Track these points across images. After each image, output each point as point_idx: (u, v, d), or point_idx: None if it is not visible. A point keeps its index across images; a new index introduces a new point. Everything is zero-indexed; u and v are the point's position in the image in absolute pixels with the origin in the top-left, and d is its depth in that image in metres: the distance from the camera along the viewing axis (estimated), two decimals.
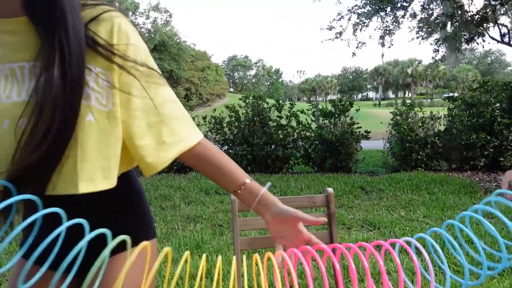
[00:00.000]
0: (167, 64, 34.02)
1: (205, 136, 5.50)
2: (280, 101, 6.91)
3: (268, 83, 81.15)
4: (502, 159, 6.31)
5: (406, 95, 68.21)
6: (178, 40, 35.60)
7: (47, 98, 0.62)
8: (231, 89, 71.11)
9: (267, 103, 6.96)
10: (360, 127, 6.82)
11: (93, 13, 0.70)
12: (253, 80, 75.02)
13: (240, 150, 6.62)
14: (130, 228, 0.90)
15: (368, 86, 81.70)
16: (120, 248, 0.81)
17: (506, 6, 5.79)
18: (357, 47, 10.67)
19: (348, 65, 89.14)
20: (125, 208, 0.91)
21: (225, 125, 6.94)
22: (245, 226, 1.56)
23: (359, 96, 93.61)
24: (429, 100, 56.15)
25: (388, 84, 67.40)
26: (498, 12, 5.75)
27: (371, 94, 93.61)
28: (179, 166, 6.67)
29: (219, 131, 6.91)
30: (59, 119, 0.63)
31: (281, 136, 6.73)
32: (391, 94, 77.74)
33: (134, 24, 0.79)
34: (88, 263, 0.59)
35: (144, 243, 0.54)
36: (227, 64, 73.18)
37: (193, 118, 7.03)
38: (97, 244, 0.60)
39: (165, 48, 34.01)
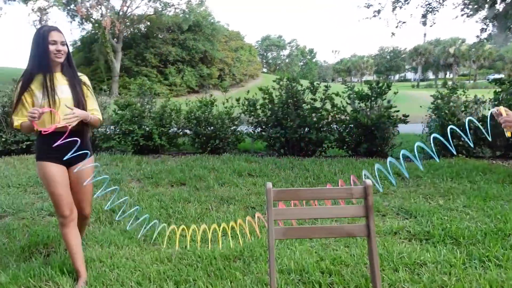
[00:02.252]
0: (201, 45, 34.14)
1: (238, 117, 5.60)
2: (315, 83, 6.77)
3: (301, 63, 79.72)
4: None
5: (447, 76, 64.92)
6: (212, 21, 35.50)
7: (78, 96, 2.47)
8: (264, 70, 70.53)
9: (301, 85, 6.85)
10: (398, 111, 6.58)
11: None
12: (287, 60, 73.88)
13: (273, 132, 6.61)
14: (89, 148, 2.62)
15: (407, 67, 78.29)
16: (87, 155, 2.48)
17: None
18: (396, 27, 10.19)
19: (386, 45, 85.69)
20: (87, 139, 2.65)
21: (258, 107, 6.92)
22: (281, 215, 1.56)
23: (397, 77, 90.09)
24: (472, 81, 53.08)
25: (428, 64, 64.20)
26: None
27: (409, 75, 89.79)
28: (213, 147, 6.77)
29: (252, 113, 6.90)
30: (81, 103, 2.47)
31: (314, 119, 6.64)
32: (431, 75, 74.19)
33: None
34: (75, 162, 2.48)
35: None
36: (260, 44, 72.37)
37: (227, 100, 7.08)
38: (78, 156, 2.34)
39: (199, 28, 34.04)
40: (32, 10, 29.70)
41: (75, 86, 2.46)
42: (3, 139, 6.78)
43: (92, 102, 2.57)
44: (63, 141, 2.24)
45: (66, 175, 2.50)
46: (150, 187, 4.77)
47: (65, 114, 2.28)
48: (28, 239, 3.21)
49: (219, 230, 2.94)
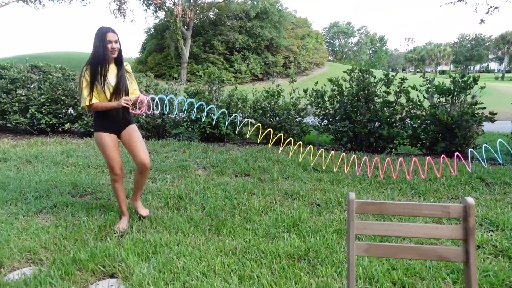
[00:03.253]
0: (267, 32, 34.02)
1: (305, 109, 5.49)
2: (390, 75, 6.32)
3: (370, 52, 76.06)
4: None
5: None
6: (279, 8, 35.12)
7: (123, 82, 3.21)
8: (330, 58, 68.52)
9: (374, 77, 6.44)
10: (484, 108, 5.92)
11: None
12: (354, 48, 70.91)
13: (341, 126, 6.33)
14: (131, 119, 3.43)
15: (490, 56, 70.97)
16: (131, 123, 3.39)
17: None
18: (487, 12, 9.13)
19: (467, 32, 78.15)
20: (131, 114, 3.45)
21: (326, 99, 6.66)
22: (364, 230, 1.42)
23: (478, 67, 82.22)
24: None
25: None
26: None
27: (493, 65, 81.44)
28: (277, 138, 6.69)
29: (320, 105, 6.67)
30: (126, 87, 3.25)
31: (387, 113, 6.22)
32: None
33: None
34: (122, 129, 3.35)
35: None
36: (327, 32, 70.23)
37: (294, 90, 6.91)
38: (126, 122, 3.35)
39: (266, 15, 33.90)
40: None
41: (122, 75, 3.20)
42: (85, 122, 7.35)
43: (133, 85, 3.33)
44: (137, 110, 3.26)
45: (117, 142, 3.33)
46: (216, 176, 4.84)
47: (126, 98, 3.10)
48: (105, 219, 3.42)
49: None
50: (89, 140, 6.91)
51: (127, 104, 3.08)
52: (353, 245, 1.39)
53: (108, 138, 3.24)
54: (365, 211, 1.46)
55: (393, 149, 6.47)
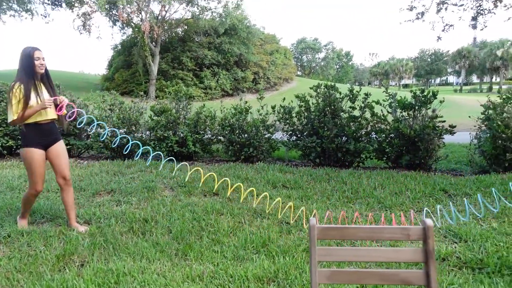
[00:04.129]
0: (236, 48, 34.33)
1: (273, 125, 5.52)
2: (354, 91, 6.48)
3: (337, 66, 78.34)
4: None
5: (494, 80, 61.42)
6: (248, 24, 35.62)
7: (53, 95, 3.52)
8: (299, 73, 69.95)
9: (340, 92, 6.59)
10: (444, 121, 6.17)
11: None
12: (322, 63, 72.82)
13: (309, 141, 6.39)
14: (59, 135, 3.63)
15: (449, 70, 74.88)
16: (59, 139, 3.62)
17: None
18: (443, 30, 9.63)
19: (427, 47, 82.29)
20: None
21: (294, 115, 6.73)
22: (327, 256, 1.39)
23: (438, 80, 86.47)
24: None
25: (473, 67, 61.00)
26: None
27: (451, 79, 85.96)
28: (247, 155, 6.66)
29: (288, 121, 6.72)
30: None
31: (353, 128, 6.36)
32: (475, 79, 70.52)
33: None
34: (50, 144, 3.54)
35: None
36: (295, 47, 71.82)
37: (262, 107, 6.94)
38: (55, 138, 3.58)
39: (235, 32, 34.25)
40: (77, 15, 31.16)
41: (51, 88, 3.56)
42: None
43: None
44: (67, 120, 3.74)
45: (44, 158, 3.52)
46: (183, 196, 4.71)
47: (48, 99, 3.36)
48: (63, 248, 3.22)
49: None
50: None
51: (49, 104, 3.35)
52: (316, 273, 1.36)
53: (37, 154, 3.44)
54: (327, 237, 1.44)
55: (361, 163, 6.60)
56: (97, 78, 42.12)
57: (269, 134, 6.88)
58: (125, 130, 6.99)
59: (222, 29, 32.79)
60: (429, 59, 77.05)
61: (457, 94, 48.07)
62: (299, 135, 6.72)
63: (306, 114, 6.64)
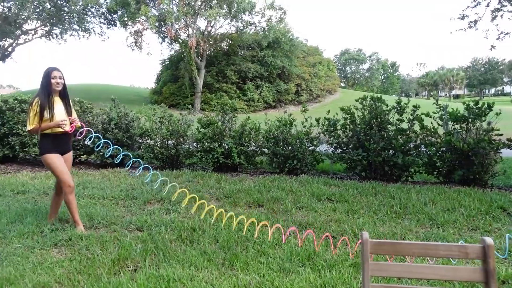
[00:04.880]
0: (279, 61, 34.63)
1: (317, 137, 5.52)
2: (402, 103, 6.31)
3: (382, 77, 76.33)
4: None
5: None
6: (291, 37, 35.87)
7: (68, 111, 3.99)
8: (342, 84, 68.98)
9: (387, 105, 6.44)
10: (501, 134, 5.81)
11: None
12: (366, 74, 71.34)
13: (354, 154, 6.29)
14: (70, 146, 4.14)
15: (505, 79, 70.34)
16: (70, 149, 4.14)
17: None
18: (498, 38, 9.14)
19: (480, 56, 77.94)
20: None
21: (339, 127, 6.66)
22: (379, 271, 1.38)
23: (492, 90, 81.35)
24: None
25: None
26: None
27: (508, 88, 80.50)
28: (291, 167, 6.67)
29: (333, 134, 6.67)
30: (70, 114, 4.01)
31: (401, 141, 6.17)
32: None
33: None
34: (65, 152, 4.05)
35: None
36: (339, 59, 71.07)
37: (306, 119, 6.94)
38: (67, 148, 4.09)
39: (278, 45, 34.62)
40: (130, 33, 33.12)
41: (67, 105, 3.97)
42: (101, 153, 7.50)
43: (74, 113, 4.08)
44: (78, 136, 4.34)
45: (61, 158, 3.94)
46: (229, 207, 4.81)
47: (62, 120, 3.80)
48: (118, 252, 3.41)
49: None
50: (105, 172, 7.02)
51: (63, 123, 3.78)
52: (368, 287, 1.35)
53: (56, 156, 3.87)
54: (380, 251, 1.43)
55: (409, 177, 6.36)
56: (146, 92, 44.29)
57: (313, 147, 6.85)
58: (173, 141, 7.28)
59: (265, 43, 33.28)
60: (482, 68, 72.83)
61: None
62: (344, 148, 6.63)
63: (351, 126, 6.55)
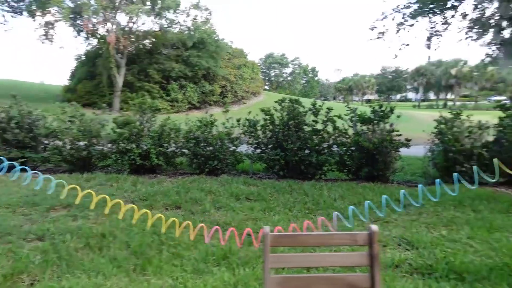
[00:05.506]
0: (204, 62, 34.34)
1: (238, 138, 5.51)
2: (317, 106, 6.68)
3: (303, 81, 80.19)
4: None
5: (448, 96, 65.08)
6: (216, 38, 35.84)
7: None
8: (266, 87, 70.89)
9: (303, 106, 6.77)
10: (400, 135, 6.47)
11: None
12: (289, 78, 74.32)
13: (273, 154, 6.48)
14: None
15: (408, 87, 78.69)
16: None
17: None
18: (400, 49, 10.18)
19: (388, 65, 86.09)
20: None
21: (259, 128, 6.82)
22: (279, 263, 1.43)
23: (398, 96, 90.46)
24: (473, 103, 53.22)
25: (430, 85, 64.47)
26: None
27: (411, 95, 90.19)
28: (211, 167, 6.64)
29: (253, 134, 6.80)
30: None
31: (316, 141, 6.52)
32: (432, 96, 74.47)
33: None
34: None
35: None
36: (263, 62, 72.94)
37: (227, 120, 6.98)
38: None
39: (203, 45, 34.30)
40: (39, 24, 30.07)
41: None
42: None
43: None
44: None
45: None
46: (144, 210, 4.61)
47: None
48: (12, 266, 3.06)
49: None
50: (2, 177, 6.25)
51: None
52: (268, 280, 1.39)
53: None
54: (281, 244, 1.48)
55: (323, 175, 6.76)
56: (58, 89, 40.60)
57: (234, 147, 6.91)
58: (85, 142, 6.78)
59: (190, 43, 32.74)
60: (390, 76, 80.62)
61: (416, 109, 50.51)
62: (263, 148, 6.81)
63: (270, 127, 6.75)
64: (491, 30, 6.37)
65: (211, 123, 6.91)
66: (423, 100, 68.89)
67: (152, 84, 32.63)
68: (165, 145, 6.88)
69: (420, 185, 3.92)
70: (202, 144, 6.72)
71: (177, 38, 33.39)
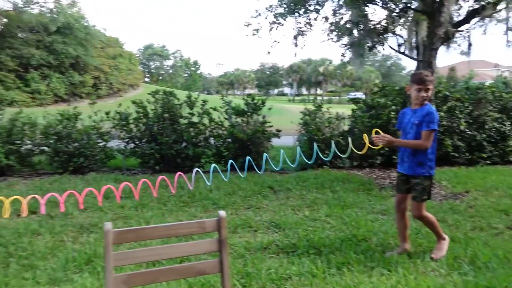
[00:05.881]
0: (72, 49, 30.93)
1: (108, 132, 5.13)
2: (192, 98, 6.64)
3: (186, 75, 79.18)
4: (394, 157, 6.93)
5: (318, 92, 72.47)
6: (86, 24, 32.56)
7: None
8: (147, 79, 67.78)
9: (178, 99, 6.64)
10: (271, 126, 6.90)
11: None
12: (170, 71, 72.40)
13: (147, 148, 6.21)
14: None
15: (284, 82, 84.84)
16: None
17: (403, 19, 6.29)
18: (272, 46, 10.81)
19: (266, 61, 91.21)
20: None
21: (131, 121, 6.44)
22: (123, 260, 1.35)
23: (276, 91, 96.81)
24: (338, 97, 60.40)
25: (302, 81, 70.70)
26: (396, 24, 6.23)
27: (287, 90, 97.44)
28: (76, 165, 6.01)
29: (125, 128, 6.39)
30: None
31: (192, 133, 6.49)
32: (304, 91, 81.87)
33: None
34: None
35: None
36: (142, 53, 69.36)
37: (95, 113, 6.40)
38: None
39: (70, 31, 30.81)
40: None
41: None
42: None
43: None
44: None
45: None
46: None
47: None
48: None
49: None
50: None
51: None
52: (110, 280, 1.30)
53: None
54: (125, 240, 1.40)
55: (200, 168, 6.77)
56: None
57: (104, 142, 6.38)
58: None
59: (53, 27, 29.04)
60: (268, 72, 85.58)
61: (291, 103, 54.78)
62: (137, 142, 6.47)
63: (144, 120, 6.44)
64: (346, 33, 7.25)
65: (75, 117, 6.24)
66: (297, 95, 75.22)
67: (5, 72, 27.89)
68: (18, 142, 5.94)
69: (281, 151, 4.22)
70: (64, 140, 6.02)
71: (37, 20, 29.23)
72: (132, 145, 6.47)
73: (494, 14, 5.47)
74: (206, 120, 6.71)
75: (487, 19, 6.06)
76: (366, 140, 3.59)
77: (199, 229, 1.47)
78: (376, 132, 3.15)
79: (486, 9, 4.99)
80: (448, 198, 5.08)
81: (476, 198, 4.99)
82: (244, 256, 3.23)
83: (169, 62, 73.30)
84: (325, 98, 60.66)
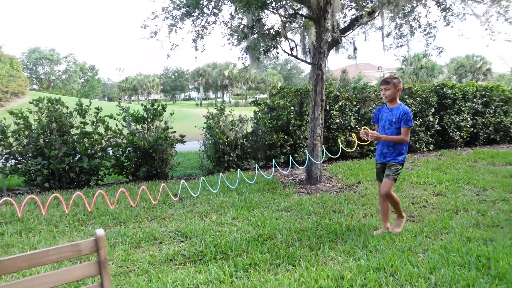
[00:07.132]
0: None
1: None
2: (84, 105, 6.08)
3: (82, 80, 72.91)
4: (296, 155, 7.31)
5: (225, 95, 73.30)
6: None
7: None
8: (35, 86, 60.65)
9: (67, 107, 6.02)
10: (175, 132, 6.70)
11: None
12: (63, 77, 65.86)
13: (33, 164, 5.50)
14: None
15: (190, 87, 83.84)
16: None
17: (294, 24, 6.66)
18: (171, 49, 10.52)
19: (170, 65, 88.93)
20: None
21: (10, 134, 5.63)
22: None
23: (182, 96, 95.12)
24: (244, 100, 61.84)
25: (209, 85, 70.70)
26: (288, 28, 6.55)
27: (194, 94, 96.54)
28: None
29: (2, 142, 5.56)
30: None
31: (86, 144, 5.94)
32: (211, 94, 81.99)
33: None
34: None
35: None
36: (27, 57, 61.79)
37: None
38: None
39: None
40: None
41: None
42: None
43: None
44: None
45: None
46: None
47: None
48: None
49: None
50: None
51: None
52: None
53: None
54: None
55: (99, 181, 6.25)
56: None
57: None
58: None
59: None
60: (172, 76, 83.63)
61: (198, 107, 54.39)
62: (19, 158, 5.67)
63: (26, 132, 5.68)
64: (244, 37, 7.42)
65: None
66: (205, 99, 75.02)
67: None
68: None
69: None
70: None
71: None
72: (13, 161, 5.66)
73: (370, 21, 6.12)
74: (101, 129, 6.21)
75: (367, 26, 6.78)
76: (355, 138, 4.48)
77: (73, 252, 1.30)
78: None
79: (363, 17, 5.56)
80: (344, 189, 5.51)
81: (366, 187, 5.52)
82: (148, 272, 3.04)
83: (62, 67, 66.65)
84: (232, 101, 61.62)
